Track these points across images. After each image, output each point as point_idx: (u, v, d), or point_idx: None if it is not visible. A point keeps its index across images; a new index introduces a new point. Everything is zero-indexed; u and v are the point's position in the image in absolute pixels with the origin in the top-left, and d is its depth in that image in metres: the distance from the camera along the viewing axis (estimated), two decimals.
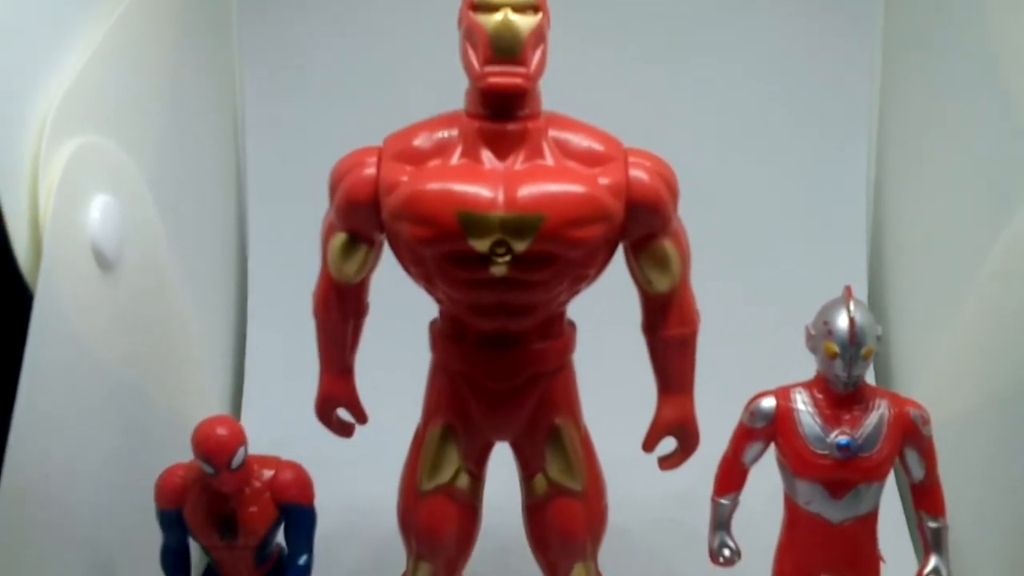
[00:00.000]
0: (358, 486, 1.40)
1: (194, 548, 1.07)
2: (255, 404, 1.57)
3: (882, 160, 1.62)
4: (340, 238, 0.98)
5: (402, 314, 1.15)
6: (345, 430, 1.12)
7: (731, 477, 1.08)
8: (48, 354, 0.92)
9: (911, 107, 1.53)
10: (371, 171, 0.94)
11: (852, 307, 0.98)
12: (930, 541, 1.06)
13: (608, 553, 1.12)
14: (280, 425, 1.28)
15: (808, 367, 1.04)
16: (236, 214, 1.64)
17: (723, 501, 1.08)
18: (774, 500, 1.07)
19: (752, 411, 1.05)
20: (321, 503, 1.07)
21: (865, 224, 1.63)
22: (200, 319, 1.40)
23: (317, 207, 1.06)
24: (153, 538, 1.06)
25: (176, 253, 1.27)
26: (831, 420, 1.01)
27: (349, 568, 1.39)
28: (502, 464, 1.10)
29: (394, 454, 1.12)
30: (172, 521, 1.03)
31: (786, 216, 1.62)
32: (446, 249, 0.91)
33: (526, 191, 0.89)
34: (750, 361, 1.39)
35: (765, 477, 1.07)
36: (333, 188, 0.97)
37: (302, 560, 1.04)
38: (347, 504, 1.35)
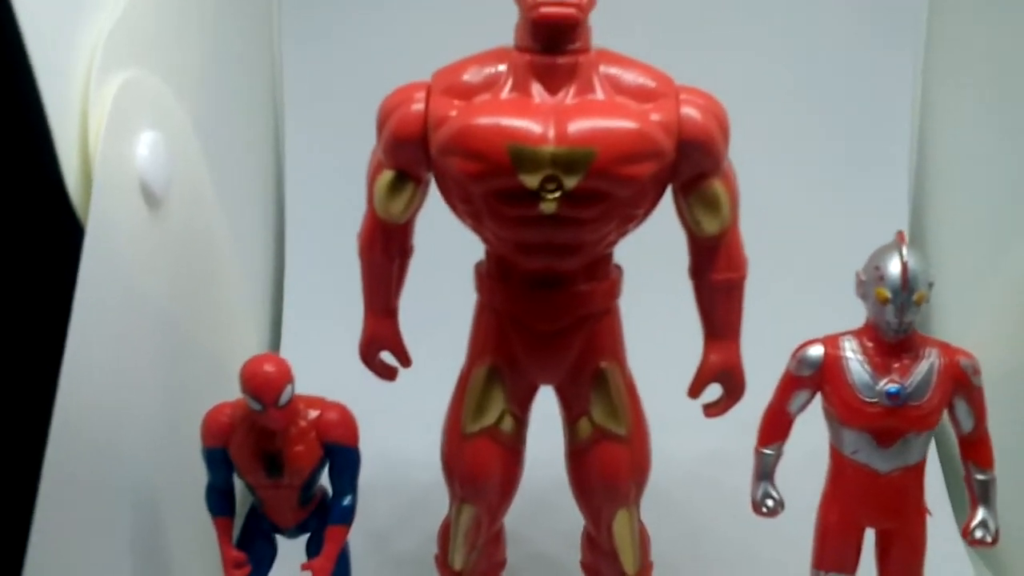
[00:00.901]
0: (393, 436, 1.39)
1: (238, 489, 1.08)
2: (293, 350, 1.57)
3: (927, 103, 1.59)
4: (387, 176, 0.97)
5: (445, 258, 1.14)
6: (388, 373, 1.12)
7: (776, 427, 1.07)
8: (99, 289, 0.92)
9: (958, 46, 1.50)
10: (420, 106, 0.93)
11: (905, 252, 0.96)
12: (978, 493, 1.04)
13: (641, 509, 1.10)
14: (317, 371, 1.28)
15: (846, 319, 1.03)
16: (274, 153, 1.64)
17: (767, 451, 1.07)
18: (816, 455, 1.06)
19: (799, 359, 1.04)
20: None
21: (908, 172, 1.61)
22: (240, 260, 1.40)
23: (355, 145, 1.04)
24: (198, 477, 1.06)
25: (216, 192, 1.27)
26: (880, 368, 1.00)
27: (387, 519, 1.39)
28: (539, 416, 1.09)
29: (430, 403, 1.11)
30: (218, 459, 1.04)
31: (829, 163, 1.60)
32: (496, 185, 0.90)
33: (577, 126, 0.88)
34: (788, 313, 1.37)
35: (808, 431, 1.06)
36: (381, 124, 0.96)
37: (346, 501, 1.05)
38: (383, 454, 1.35)
